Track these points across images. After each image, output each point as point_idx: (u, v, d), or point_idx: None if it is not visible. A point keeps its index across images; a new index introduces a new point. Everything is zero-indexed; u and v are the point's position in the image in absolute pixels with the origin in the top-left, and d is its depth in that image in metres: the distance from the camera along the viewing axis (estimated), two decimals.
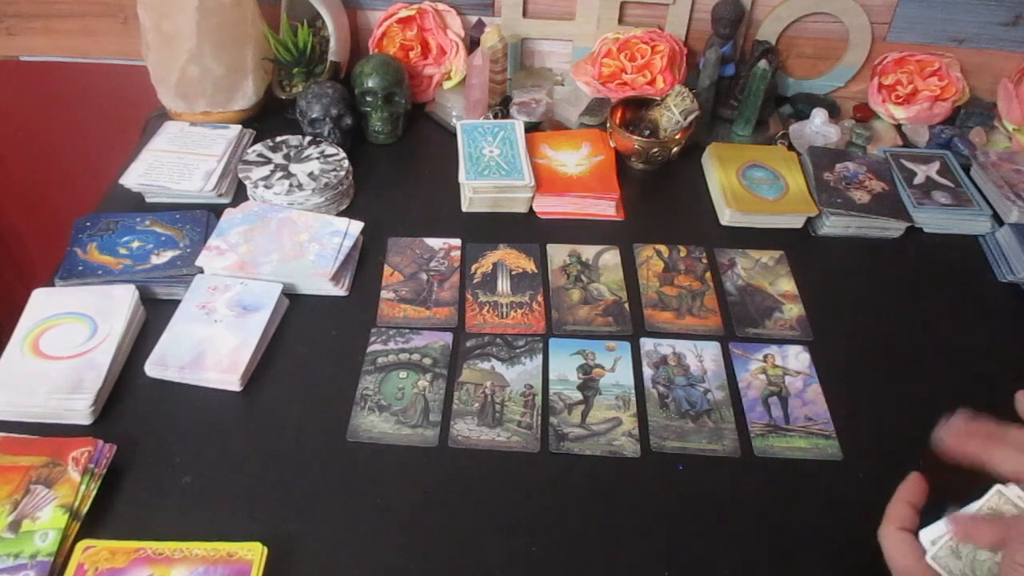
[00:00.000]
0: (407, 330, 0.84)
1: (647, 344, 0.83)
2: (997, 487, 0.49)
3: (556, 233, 0.98)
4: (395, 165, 1.10)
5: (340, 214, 0.96)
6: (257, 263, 0.86)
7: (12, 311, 0.80)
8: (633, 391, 0.79)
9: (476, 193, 0.99)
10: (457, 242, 0.95)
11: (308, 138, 1.03)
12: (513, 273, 0.92)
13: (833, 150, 1.09)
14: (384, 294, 0.88)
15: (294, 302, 0.86)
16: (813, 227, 1.01)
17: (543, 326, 0.85)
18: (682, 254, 0.95)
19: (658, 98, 1.07)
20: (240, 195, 0.99)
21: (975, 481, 0.50)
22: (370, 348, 0.82)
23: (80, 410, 0.72)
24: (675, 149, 1.05)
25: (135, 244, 0.89)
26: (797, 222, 1.00)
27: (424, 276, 0.91)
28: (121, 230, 0.91)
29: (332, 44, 1.12)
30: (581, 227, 0.99)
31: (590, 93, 1.16)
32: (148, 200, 0.99)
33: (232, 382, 0.76)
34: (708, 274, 0.92)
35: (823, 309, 0.89)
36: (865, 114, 1.19)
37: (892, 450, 0.75)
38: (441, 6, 1.17)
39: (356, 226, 0.91)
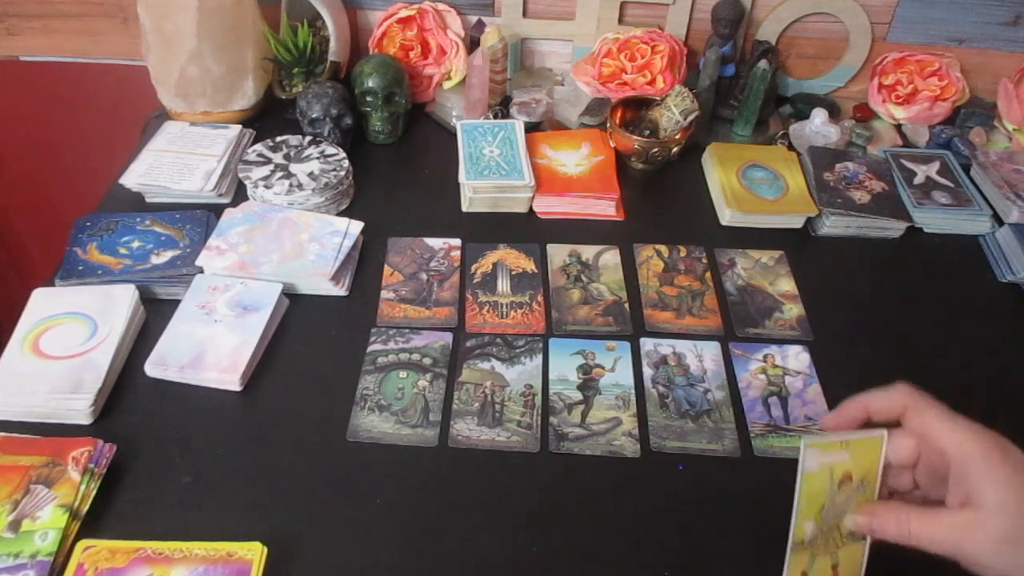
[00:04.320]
0: (407, 330, 0.84)
1: (647, 344, 0.83)
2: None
3: (556, 233, 0.98)
4: (395, 165, 1.10)
5: (340, 214, 0.96)
6: (257, 263, 0.86)
7: (12, 311, 0.80)
8: (633, 391, 0.79)
9: (476, 193, 0.99)
10: (457, 242, 0.95)
11: (308, 138, 1.03)
12: (513, 273, 0.92)
13: (833, 150, 1.09)
14: (384, 294, 0.88)
15: (294, 302, 0.86)
16: (813, 227, 1.01)
17: (543, 326, 0.85)
18: (682, 254, 0.95)
19: (658, 98, 1.07)
20: (240, 195, 0.99)
21: None
22: (370, 348, 0.82)
23: (80, 410, 0.72)
24: (675, 149, 1.05)
25: (135, 244, 0.89)
26: (797, 222, 1.00)
27: (424, 276, 0.91)
28: (121, 230, 0.91)
29: (332, 44, 1.12)
30: (581, 227, 0.99)
31: (590, 93, 1.16)
32: (148, 200, 0.99)
33: (232, 382, 0.76)
34: (708, 274, 0.92)
35: (823, 309, 0.89)
36: (865, 114, 1.19)
37: None
38: (441, 6, 1.17)
39: (356, 226, 0.91)
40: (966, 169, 1.09)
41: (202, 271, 0.86)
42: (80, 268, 0.86)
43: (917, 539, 0.48)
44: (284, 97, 1.13)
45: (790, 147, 1.12)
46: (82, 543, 0.62)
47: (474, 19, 1.17)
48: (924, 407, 0.50)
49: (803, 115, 1.16)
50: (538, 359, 0.81)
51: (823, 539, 0.54)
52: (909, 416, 0.51)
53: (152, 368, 0.77)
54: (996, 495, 0.45)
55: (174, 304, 0.82)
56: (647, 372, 0.81)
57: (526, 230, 0.98)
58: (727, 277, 0.92)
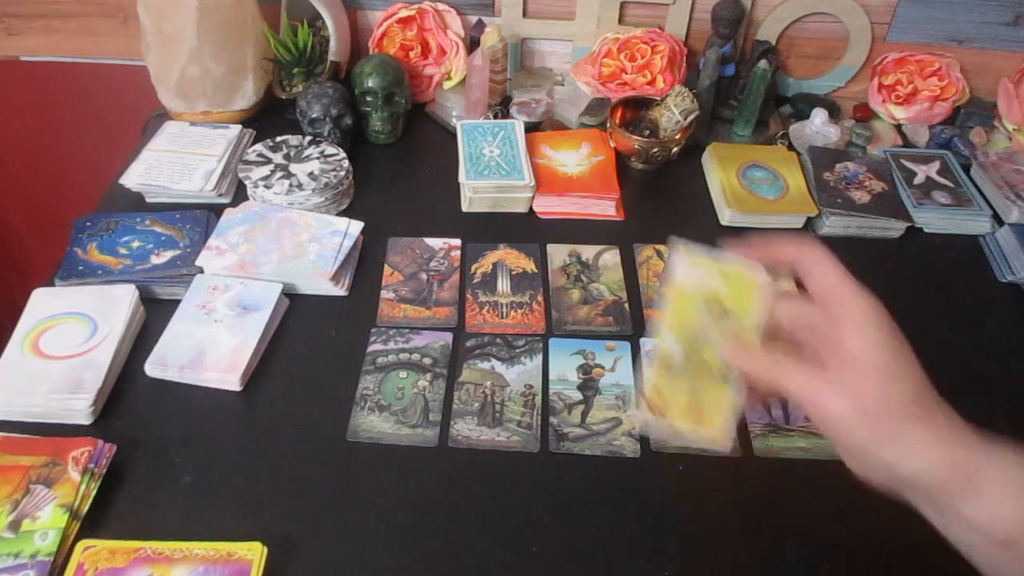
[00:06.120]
0: (407, 330, 0.84)
1: (647, 344, 0.83)
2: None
3: (556, 233, 0.98)
4: (395, 165, 1.10)
5: (340, 214, 0.96)
6: (257, 263, 0.86)
7: (12, 311, 0.80)
8: (633, 391, 0.79)
9: (476, 193, 0.99)
10: (457, 242, 0.95)
11: (308, 138, 1.03)
12: (513, 273, 0.91)
13: (833, 150, 1.09)
14: (384, 294, 0.88)
15: (294, 302, 0.86)
16: (813, 227, 1.01)
17: (543, 326, 0.85)
18: None
19: (658, 98, 1.07)
20: (240, 195, 0.99)
21: None
22: (370, 348, 0.82)
23: (80, 410, 0.72)
24: (675, 149, 1.05)
25: (135, 244, 0.89)
26: (797, 222, 1.00)
27: (424, 276, 0.91)
28: (121, 230, 0.91)
29: (332, 44, 1.12)
30: (581, 227, 0.99)
31: (590, 93, 1.16)
32: (148, 200, 0.99)
33: (232, 382, 0.76)
34: None
35: None
36: (865, 114, 1.19)
37: None
38: (441, 6, 1.17)
39: (356, 226, 0.91)
40: (966, 169, 1.09)
41: (202, 271, 0.86)
42: (80, 268, 0.86)
43: (787, 384, 0.47)
44: (284, 97, 1.13)
45: (790, 147, 1.11)
46: (82, 543, 0.62)
47: (474, 19, 1.17)
48: (825, 257, 0.49)
49: (803, 115, 1.16)
50: (538, 359, 0.81)
51: (689, 366, 0.52)
52: (808, 261, 0.50)
53: (152, 368, 0.77)
54: (863, 349, 0.45)
55: (174, 304, 0.82)
56: (647, 372, 0.81)
57: (526, 230, 0.98)
58: None
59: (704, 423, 0.51)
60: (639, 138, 1.03)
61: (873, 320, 0.46)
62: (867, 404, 0.44)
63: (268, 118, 1.14)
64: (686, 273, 0.53)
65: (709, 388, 0.51)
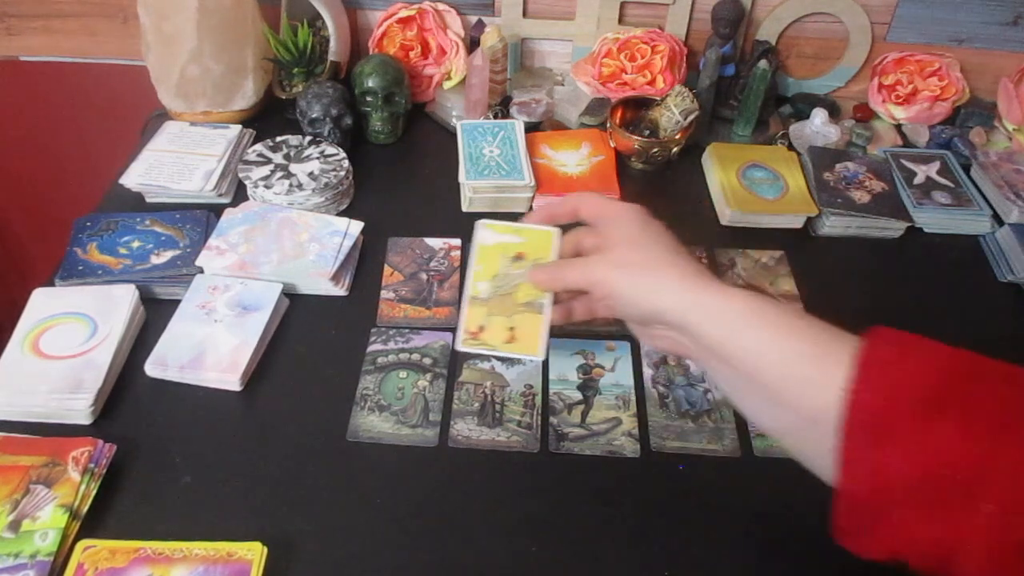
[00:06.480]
0: (407, 330, 0.84)
1: (647, 344, 0.83)
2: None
3: None
4: (395, 165, 1.10)
5: (340, 214, 0.96)
6: (257, 263, 0.86)
7: (12, 311, 0.80)
8: (633, 391, 0.79)
9: (476, 193, 0.99)
10: (457, 242, 0.95)
11: (308, 138, 1.03)
12: None
13: (833, 150, 1.09)
14: (384, 294, 0.88)
15: (294, 302, 0.86)
16: (813, 227, 1.01)
17: None
18: None
19: (658, 98, 1.07)
20: (240, 195, 0.99)
21: None
22: (370, 348, 0.82)
23: (80, 410, 0.72)
24: (675, 149, 1.05)
25: (135, 244, 0.89)
26: (797, 222, 1.00)
27: (424, 276, 0.91)
28: (121, 230, 0.91)
29: (332, 44, 1.12)
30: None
31: (590, 93, 1.16)
32: (148, 200, 0.99)
33: (232, 382, 0.76)
34: None
35: (823, 309, 0.88)
36: (865, 114, 1.19)
37: None
38: (441, 6, 1.17)
39: (356, 226, 0.91)
40: (966, 169, 1.09)
41: (202, 271, 0.86)
42: (80, 268, 0.86)
43: (574, 279, 0.58)
44: (284, 97, 1.13)
45: (790, 147, 1.11)
46: (82, 543, 0.62)
47: (474, 19, 1.17)
48: (589, 194, 0.62)
49: (803, 115, 1.16)
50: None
51: (499, 302, 0.61)
52: (578, 204, 0.61)
53: (152, 368, 0.77)
54: (624, 233, 0.57)
55: (174, 304, 0.82)
56: (647, 372, 0.81)
57: None
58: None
59: (519, 342, 0.61)
60: (639, 138, 1.03)
61: (632, 214, 0.58)
62: (633, 263, 0.55)
63: (268, 118, 1.14)
64: (488, 237, 0.64)
65: (521, 318, 0.61)
